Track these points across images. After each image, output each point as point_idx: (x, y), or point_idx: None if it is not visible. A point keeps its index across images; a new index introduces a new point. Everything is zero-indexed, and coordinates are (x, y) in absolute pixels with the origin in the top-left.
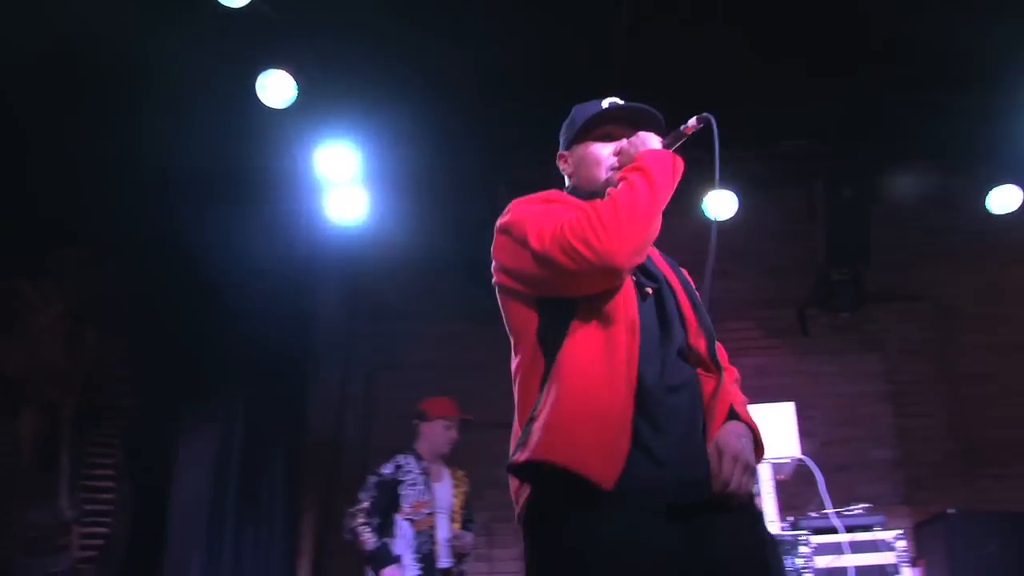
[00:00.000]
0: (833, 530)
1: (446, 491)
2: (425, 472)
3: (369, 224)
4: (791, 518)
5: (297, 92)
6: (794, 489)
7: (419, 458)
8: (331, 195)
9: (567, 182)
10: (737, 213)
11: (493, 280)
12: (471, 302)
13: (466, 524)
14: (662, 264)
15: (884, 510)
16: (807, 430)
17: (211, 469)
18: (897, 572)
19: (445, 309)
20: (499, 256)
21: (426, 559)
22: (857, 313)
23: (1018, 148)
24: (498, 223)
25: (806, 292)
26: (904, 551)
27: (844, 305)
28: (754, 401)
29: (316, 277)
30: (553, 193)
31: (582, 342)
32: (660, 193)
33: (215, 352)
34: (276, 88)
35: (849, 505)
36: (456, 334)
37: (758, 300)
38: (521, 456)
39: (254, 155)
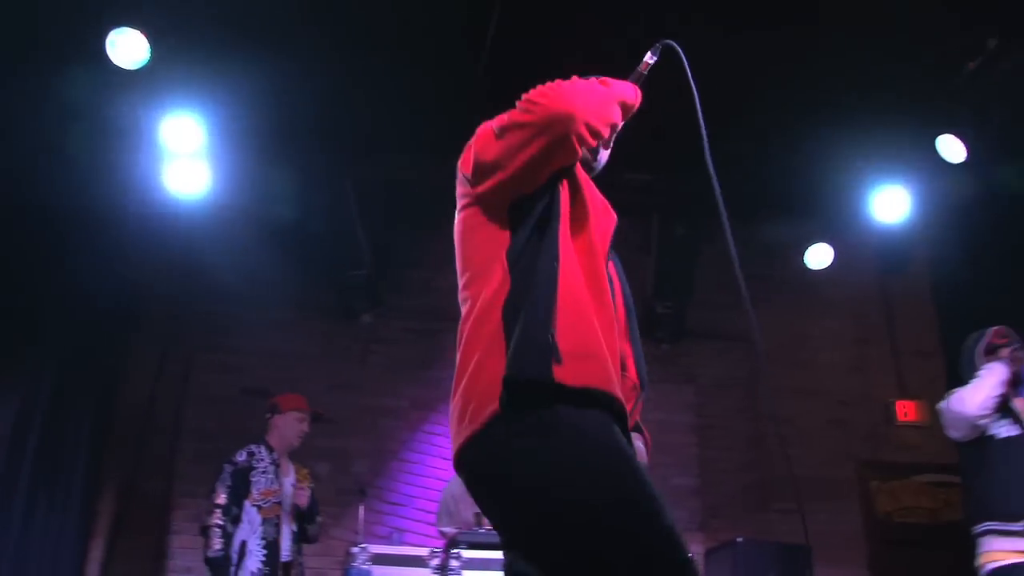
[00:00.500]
0: None
1: (289, 487)
2: (275, 463)
3: (210, 200)
4: None
5: (150, 55)
6: None
7: (270, 450)
8: (173, 166)
9: None
10: None
11: (458, 204)
12: (305, 292)
13: (312, 518)
14: (616, 279)
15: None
16: None
17: (7, 434)
18: None
19: (277, 297)
20: (464, 161)
21: (271, 547)
22: (676, 346)
23: (832, 209)
24: (473, 140)
25: None
26: None
27: (665, 337)
28: None
29: (148, 248)
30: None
31: (568, 266)
32: (616, 88)
33: (27, 314)
34: (127, 48)
35: None
36: (286, 323)
37: None
38: (568, 377)
39: (95, 113)
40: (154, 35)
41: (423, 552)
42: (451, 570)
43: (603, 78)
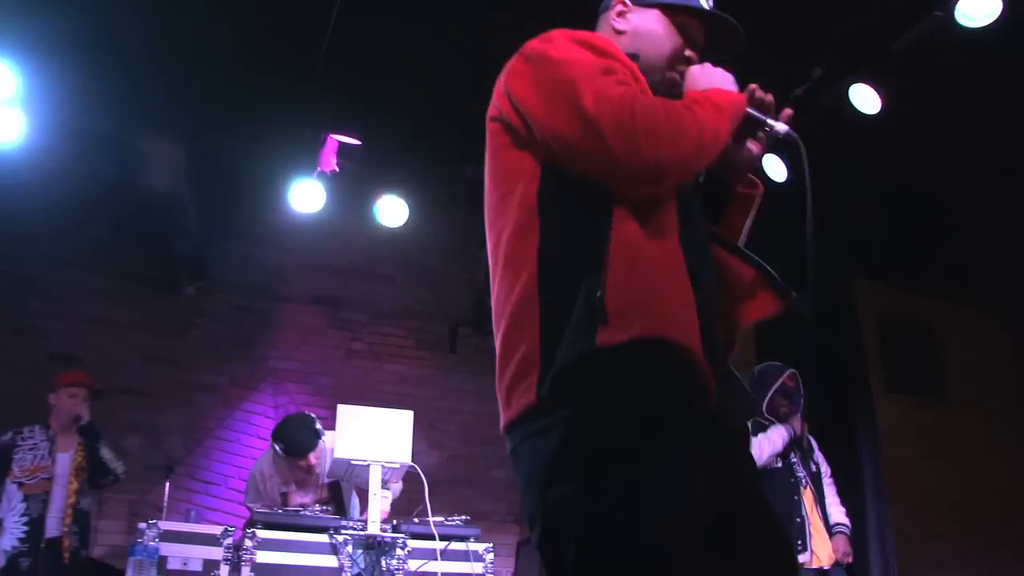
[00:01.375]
0: (431, 537)
1: (67, 462)
2: (51, 440)
3: (25, 150)
4: (395, 521)
5: None
6: (409, 494)
7: (47, 427)
8: None
9: (611, 34)
10: (411, 225)
11: (489, 114)
12: (126, 258)
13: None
14: None
15: (496, 526)
16: (439, 442)
17: None
18: None
19: (95, 260)
20: (519, 89)
21: (33, 524)
22: None
23: None
24: (530, 48)
25: (462, 312)
26: (491, 563)
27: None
28: (389, 405)
29: None
30: (605, 41)
31: (622, 219)
32: (721, 140)
33: None
34: None
35: (456, 515)
36: (103, 289)
37: (415, 311)
38: (614, 336)
39: None
40: None
41: (217, 530)
42: (245, 550)
43: (725, 111)
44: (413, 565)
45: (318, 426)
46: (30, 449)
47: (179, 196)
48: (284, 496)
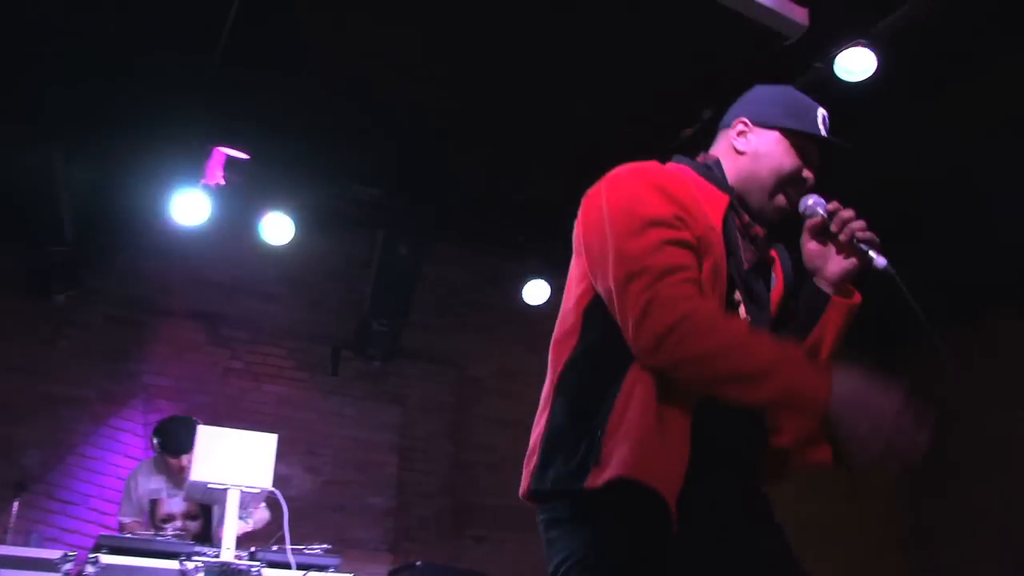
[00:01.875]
0: (287, 566)
1: None
2: None
3: None
4: (252, 548)
5: None
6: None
7: None
8: None
9: (729, 153)
10: (296, 242)
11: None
12: None
13: None
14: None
15: (368, 555)
16: (313, 466)
17: None
18: None
19: None
20: (584, 223)
21: None
22: (388, 364)
23: (555, 248)
24: (605, 184)
25: (345, 334)
26: None
27: (377, 354)
28: (266, 426)
29: None
30: (682, 172)
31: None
32: (753, 397)
33: None
34: None
35: (325, 543)
36: None
37: (297, 331)
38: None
39: None
40: None
41: (55, 555)
42: None
43: (790, 386)
44: None
45: (196, 424)
46: None
47: (54, 200)
48: (153, 504)
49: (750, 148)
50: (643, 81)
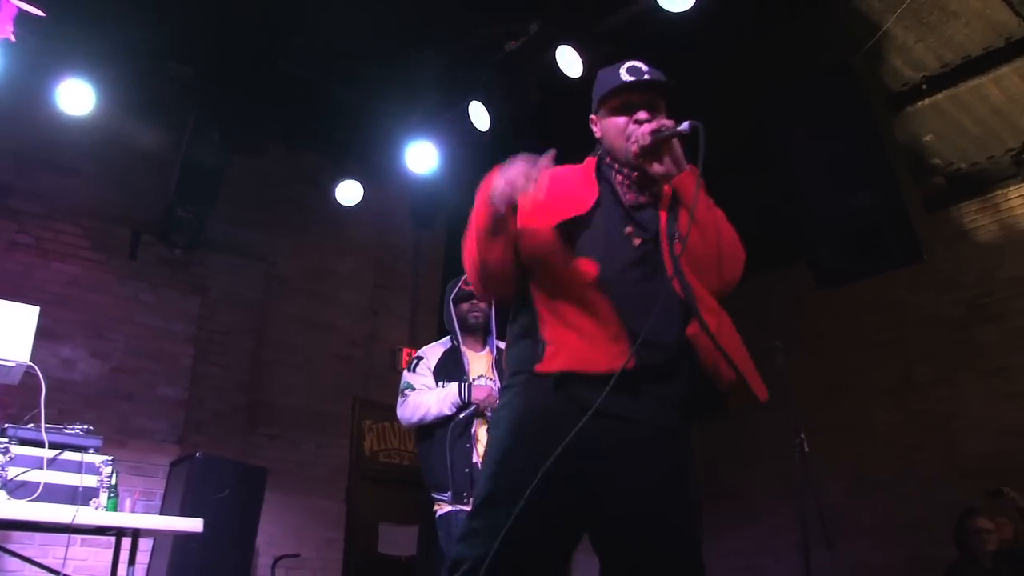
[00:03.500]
0: (40, 444)
1: None
2: None
3: None
4: (4, 424)
5: None
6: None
7: None
8: None
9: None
10: (101, 116)
11: None
12: None
13: None
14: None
15: (155, 445)
16: (102, 351)
17: None
18: (95, 495)
19: None
20: None
21: None
22: (190, 253)
23: (372, 151)
24: None
25: (148, 219)
26: (108, 477)
27: (180, 242)
28: (53, 306)
29: None
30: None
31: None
32: (474, 245)
33: None
34: None
35: (112, 431)
36: None
37: (97, 210)
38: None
39: None
40: None
41: None
42: None
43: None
44: (13, 473)
45: None
46: None
47: None
48: None
49: (600, 133)
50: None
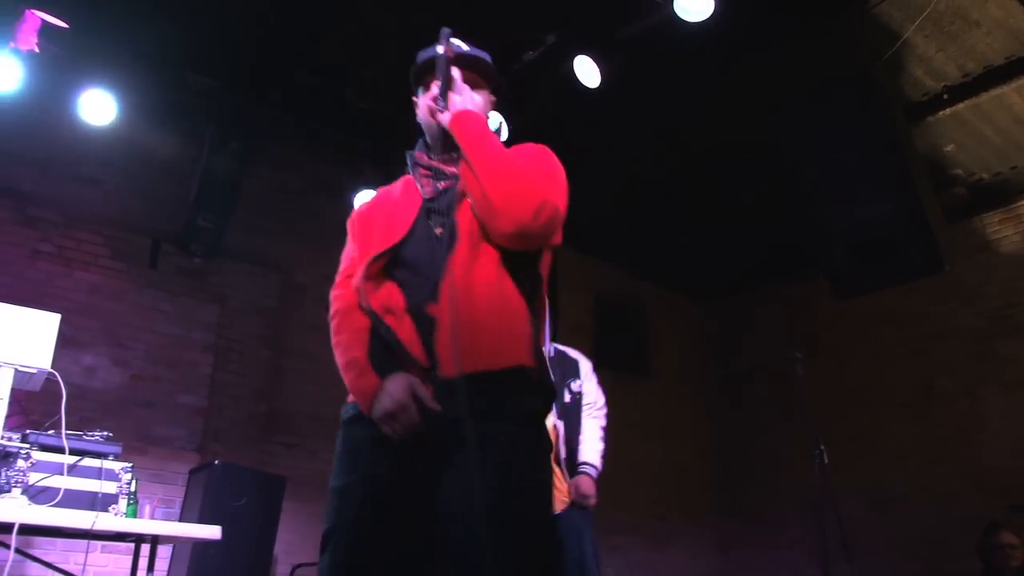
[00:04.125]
0: (60, 450)
1: None
2: None
3: None
4: (26, 431)
5: None
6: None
7: None
8: None
9: None
10: (122, 127)
11: None
12: None
13: None
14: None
15: (173, 452)
16: (122, 359)
17: None
18: (114, 502)
19: None
20: None
21: None
22: (209, 262)
23: (397, 159)
24: None
25: (168, 228)
26: (128, 483)
27: (199, 251)
28: (74, 314)
29: None
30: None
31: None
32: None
33: None
34: None
35: (124, 438)
36: None
37: (118, 219)
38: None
39: None
40: None
41: None
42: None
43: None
44: (34, 478)
45: None
46: None
47: None
48: None
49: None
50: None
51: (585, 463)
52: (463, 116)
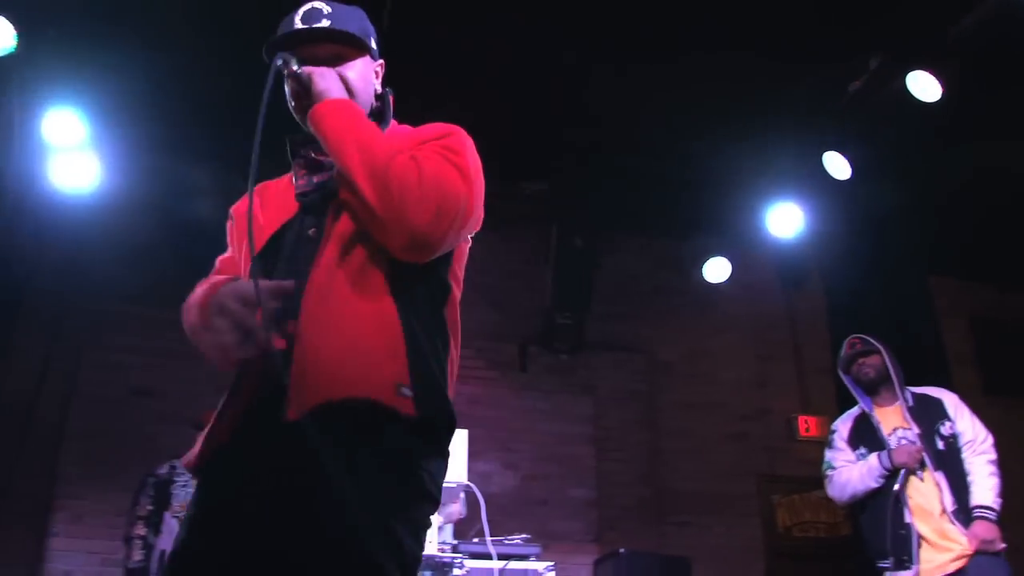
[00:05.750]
0: (488, 556)
1: None
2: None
3: (96, 195)
4: (454, 542)
5: (16, 42)
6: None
7: None
8: (56, 159)
9: None
10: (472, 245)
11: None
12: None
13: None
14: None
15: (573, 546)
16: (512, 462)
17: None
18: None
19: (162, 293)
20: None
21: None
22: (575, 357)
23: (728, 223)
24: None
25: (530, 330)
26: None
27: (564, 348)
28: (461, 426)
29: (31, 243)
30: None
31: None
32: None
33: None
34: None
35: (529, 537)
36: (171, 322)
37: (483, 332)
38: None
39: None
40: (22, 23)
41: None
42: None
43: None
44: None
45: None
46: (183, 486)
47: None
48: None
49: None
50: (805, 34)
51: (979, 507)
52: (323, 112)
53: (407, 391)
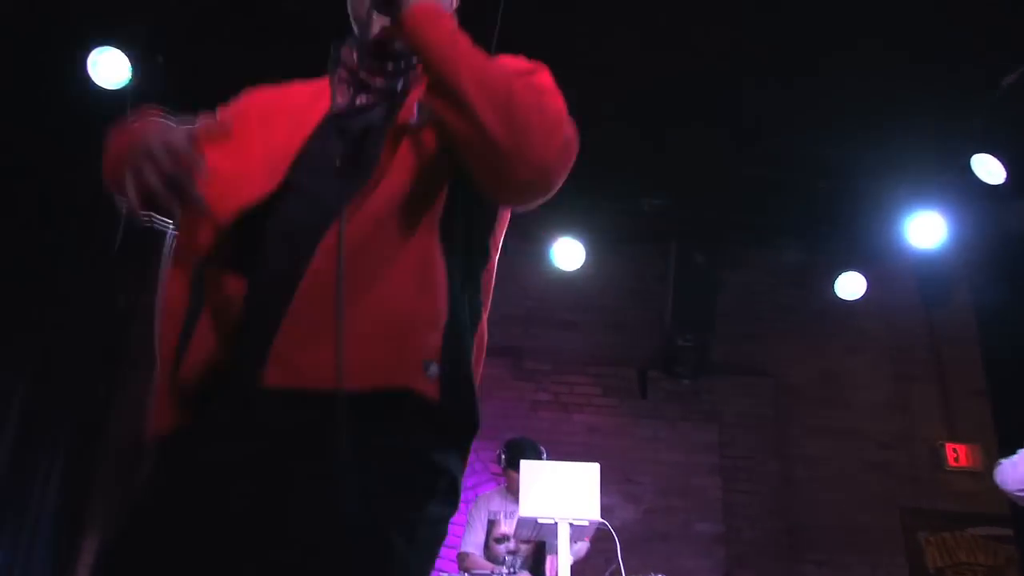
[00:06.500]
0: None
1: None
2: None
3: None
4: None
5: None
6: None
7: None
8: None
9: None
10: (587, 265)
11: None
12: None
13: None
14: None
15: None
16: (633, 495)
17: None
18: None
19: None
20: None
21: None
22: (697, 381)
23: (862, 235)
24: None
25: (649, 354)
26: None
27: (686, 372)
28: (579, 457)
29: None
30: None
31: None
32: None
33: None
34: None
35: (653, 573)
36: None
37: (600, 356)
38: None
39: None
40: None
41: None
42: None
43: None
44: None
45: (542, 450)
46: None
47: None
48: (491, 524)
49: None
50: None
51: None
52: (423, 12)
53: (435, 369)
